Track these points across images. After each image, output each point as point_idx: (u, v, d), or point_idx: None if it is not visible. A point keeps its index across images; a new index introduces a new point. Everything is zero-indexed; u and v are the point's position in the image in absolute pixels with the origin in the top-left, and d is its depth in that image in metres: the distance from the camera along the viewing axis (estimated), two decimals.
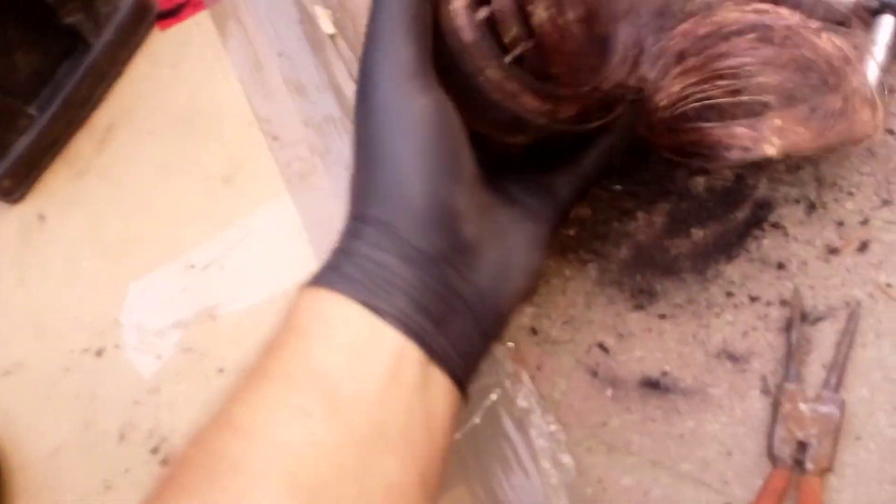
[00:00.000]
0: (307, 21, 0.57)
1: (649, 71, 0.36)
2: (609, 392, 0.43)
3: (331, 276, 0.29)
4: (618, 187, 0.48)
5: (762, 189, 0.46)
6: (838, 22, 0.48)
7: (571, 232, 0.48)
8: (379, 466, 0.26)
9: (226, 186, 0.53)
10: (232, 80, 0.56)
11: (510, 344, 0.45)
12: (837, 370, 0.40)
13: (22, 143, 0.54)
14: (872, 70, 0.44)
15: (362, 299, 0.27)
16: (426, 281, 0.28)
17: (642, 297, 0.45)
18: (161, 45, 0.59)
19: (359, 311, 0.27)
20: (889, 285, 0.42)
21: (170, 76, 0.58)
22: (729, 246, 0.45)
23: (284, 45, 0.57)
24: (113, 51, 0.57)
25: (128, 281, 0.51)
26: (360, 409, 0.26)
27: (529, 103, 0.33)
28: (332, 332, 0.27)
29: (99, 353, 0.49)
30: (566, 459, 0.41)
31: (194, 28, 0.59)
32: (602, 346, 0.44)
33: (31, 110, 0.54)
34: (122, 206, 0.54)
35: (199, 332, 0.49)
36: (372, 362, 0.27)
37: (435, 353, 0.28)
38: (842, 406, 0.39)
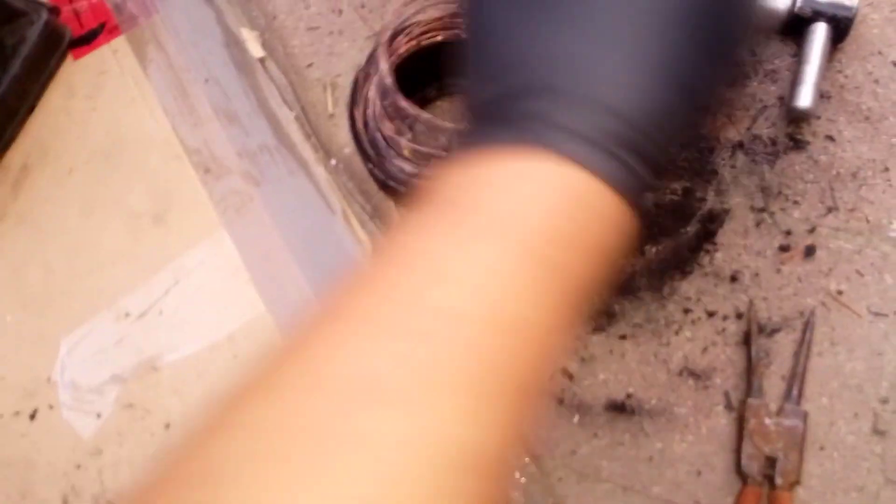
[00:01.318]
0: (233, 44, 0.54)
1: None
2: (576, 418, 0.42)
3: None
4: None
5: (710, 201, 0.46)
6: (774, 30, 0.48)
7: None
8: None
9: (156, 225, 0.50)
10: (156, 110, 0.53)
11: None
12: (798, 381, 0.40)
13: None
14: None
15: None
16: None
17: (601, 319, 0.44)
18: (76, 74, 0.55)
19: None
20: (840, 292, 0.42)
21: (87, 108, 0.54)
22: (683, 261, 0.45)
23: (210, 70, 0.54)
24: (23, 84, 0.53)
25: (57, 335, 0.47)
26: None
27: None
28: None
29: (32, 415, 0.46)
30: (539, 492, 0.40)
31: (111, 55, 0.55)
32: (566, 372, 0.43)
33: None
34: (44, 252, 0.50)
35: (140, 385, 0.46)
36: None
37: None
38: (805, 418, 0.39)
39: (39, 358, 0.47)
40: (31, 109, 0.54)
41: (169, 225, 0.49)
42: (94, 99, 0.54)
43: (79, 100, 0.54)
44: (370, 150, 0.46)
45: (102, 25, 0.57)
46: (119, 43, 0.56)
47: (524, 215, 0.23)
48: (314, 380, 0.21)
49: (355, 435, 0.20)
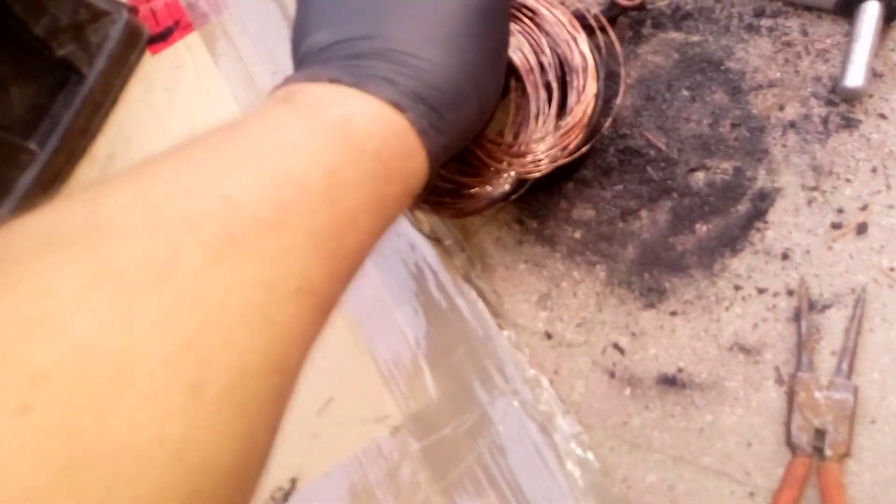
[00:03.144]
0: None
1: None
2: (627, 391, 0.44)
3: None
4: (619, 187, 0.49)
5: (761, 181, 0.47)
6: (824, 10, 0.49)
7: (577, 234, 0.48)
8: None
9: None
10: (227, 100, 0.57)
11: (526, 350, 0.46)
12: (848, 356, 0.41)
13: (26, 179, 0.54)
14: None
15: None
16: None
17: (652, 296, 0.46)
18: (154, 69, 0.59)
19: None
20: (892, 269, 0.43)
21: (165, 100, 0.58)
22: (733, 239, 0.46)
23: (277, 62, 0.57)
24: (107, 79, 0.57)
25: None
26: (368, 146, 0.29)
27: None
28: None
29: None
30: (591, 460, 0.42)
31: (185, 50, 0.59)
32: (617, 346, 0.45)
33: (32, 145, 0.55)
34: None
35: None
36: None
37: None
38: (855, 391, 0.40)
39: None
40: (115, 102, 0.58)
41: None
42: (172, 91, 0.58)
43: (158, 92, 0.58)
44: None
45: (177, 23, 0.60)
46: (192, 39, 0.59)
47: (362, 130, 0.29)
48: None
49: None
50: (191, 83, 0.58)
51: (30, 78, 0.54)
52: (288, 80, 0.32)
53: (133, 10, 0.60)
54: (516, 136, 0.45)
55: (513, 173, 0.43)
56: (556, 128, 0.44)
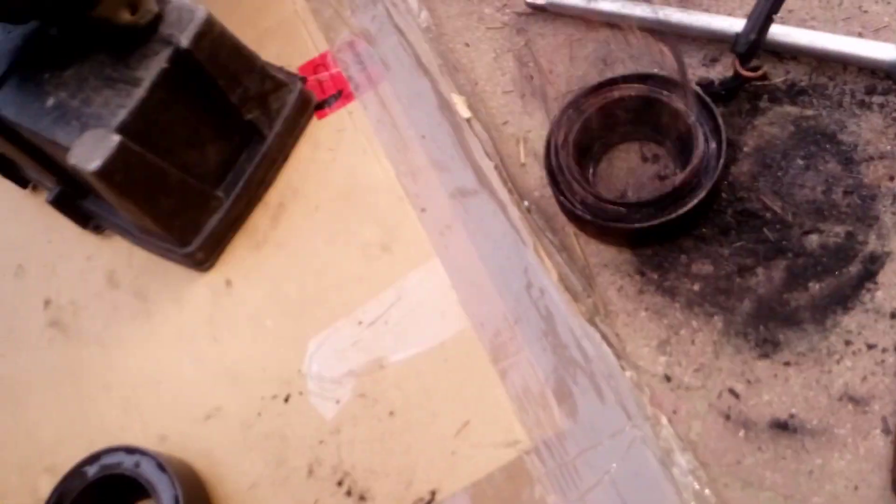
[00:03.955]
0: (445, 107, 0.65)
1: None
2: (741, 433, 0.48)
3: None
4: (737, 245, 0.53)
5: (872, 245, 0.51)
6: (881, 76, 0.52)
7: (696, 287, 0.53)
8: None
9: (383, 252, 0.61)
10: (383, 160, 0.65)
11: (646, 390, 0.51)
12: None
13: (212, 222, 0.64)
14: None
15: None
16: None
17: (767, 347, 0.50)
18: (320, 131, 0.69)
19: None
20: None
21: (329, 158, 0.67)
22: (845, 298, 0.50)
23: (426, 128, 0.65)
24: (282, 139, 0.67)
25: (307, 336, 0.59)
26: None
27: None
28: None
29: (286, 399, 0.58)
30: (707, 494, 0.46)
31: (347, 116, 0.68)
32: (732, 392, 0.49)
33: (220, 193, 0.65)
34: (297, 271, 0.63)
35: (370, 380, 0.56)
36: None
37: None
38: None
39: (293, 354, 0.59)
40: (287, 158, 0.68)
41: (393, 253, 0.61)
42: (335, 151, 0.67)
43: (322, 151, 0.68)
44: (562, 183, 0.56)
45: (340, 92, 0.70)
46: (353, 106, 0.69)
47: None
48: None
49: None
50: (351, 144, 0.67)
51: (223, 138, 0.65)
52: None
53: (304, 81, 0.70)
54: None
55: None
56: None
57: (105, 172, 0.55)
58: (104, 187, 0.57)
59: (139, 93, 0.58)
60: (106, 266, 0.69)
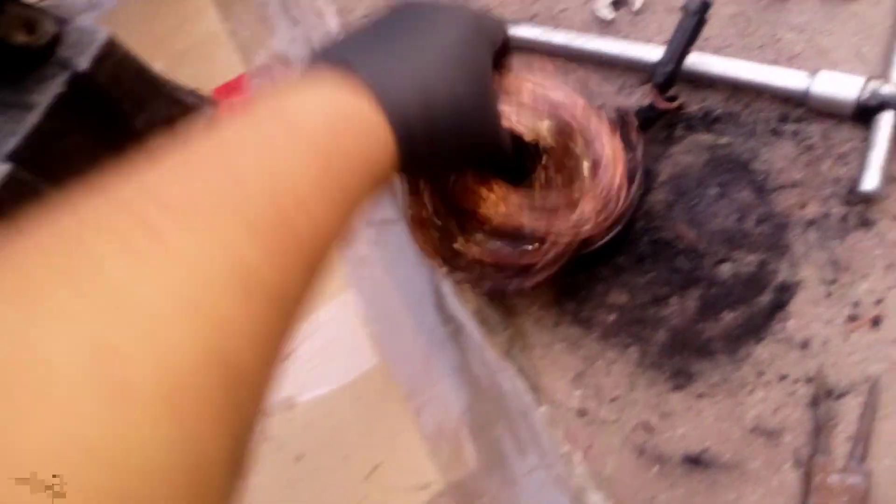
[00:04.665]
0: None
1: None
2: (655, 468, 0.47)
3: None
4: (652, 274, 0.53)
5: (783, 274, 0.50)
6: (844, 117, 0.53)
7: (612, 317, 0.52)
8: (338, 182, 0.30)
9: None
10: None
11: (561, 425, 0.49)
12: (862, 442, 0.44)
13: None
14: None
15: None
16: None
17: (681, 378, 0.49)
18: None
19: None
20: None
21: None
22: (757, 328, 0.49)
23: None
24: None
25: None
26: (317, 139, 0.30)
27: None
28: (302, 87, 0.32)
29: None
30: None
31: None
32: (647, 425, 0.48)
33: None
34: None
35: (279, 421, 0.54)
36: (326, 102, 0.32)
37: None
38: (868, 476, 0.43)
39: None
40: None
41: None
42: None
43: None
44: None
45: None
46: None
47: (307, 112, 0.30)
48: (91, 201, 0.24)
49: (133, 249, 0.22)
50: None
51: None
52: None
53: (216, 104, 0.68)
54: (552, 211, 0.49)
55: (552, 251, 0.48)
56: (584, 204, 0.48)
57: None
58: None
59: (32, 118, 0.54)
60: None
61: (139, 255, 0.22)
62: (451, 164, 0.43)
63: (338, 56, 0.35)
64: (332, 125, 0.30)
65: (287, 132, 0.29)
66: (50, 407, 0.19)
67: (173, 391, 0.21)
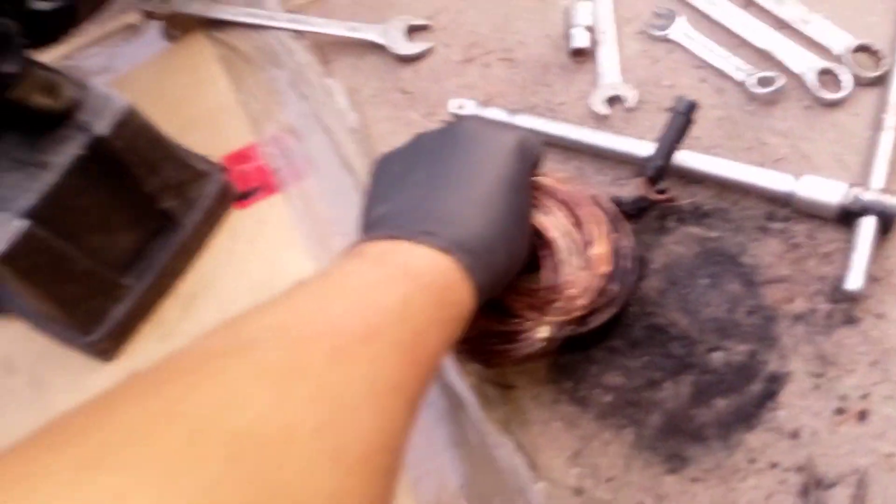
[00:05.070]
0: None
1: None
2: None
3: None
4: (646, 359, 0.55)
5: (773, 364, 0.53)
6: (826, 220, 0.56)
7: (608, 398, 0.54)
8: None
9: None
10: (301, 255, 0.64)
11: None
12: None
13: (118, 311, 0.61)
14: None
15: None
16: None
17: (675, 461, 0.51)
18: (239, 222, 0.68)
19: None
20: (891, 455, 0.48)
21: (247, 250, 0.66)
22: (748, 416, 0.51)
23: (348, 225, 0.65)
24: (199, 228, 0.66)
25: None
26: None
27: None
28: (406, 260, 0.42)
29: None
30: None
31: (268, 209, 0.68)
32: None
33: (127, 281, 0.62)
34: None
35: None
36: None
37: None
38: None
39: None
40: (202, 248, 0.66)
41: None
42: (253, 243, 0.66)
43: (241, 243, 0.66)
44: None
45: (264, 184, 0.70)
46: (276, 199, 0.68)
47: (418, 269, 0.40)
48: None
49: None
50: (270, 237, 0.66)
51: (135, 225, 0.63)
52: (357, 242, 0.45)
53: (226, 171, 0.69)
54: (549, 290, 0.52)
55: (545, 329, 0.50)
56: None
57: (7, 258, 0.52)
58: (6, 273, 0.54)
59: (50, 177, 0.56)
60: (2, 351, 0.65)
61: (335, 362, 0.33)
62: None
63: (423, 227, 0.43)
64: (438, 276, 0.41)
65: (412, 279, 0.39)
66: (294, 457, 0.28)
67: (369, 465, 0.31)
